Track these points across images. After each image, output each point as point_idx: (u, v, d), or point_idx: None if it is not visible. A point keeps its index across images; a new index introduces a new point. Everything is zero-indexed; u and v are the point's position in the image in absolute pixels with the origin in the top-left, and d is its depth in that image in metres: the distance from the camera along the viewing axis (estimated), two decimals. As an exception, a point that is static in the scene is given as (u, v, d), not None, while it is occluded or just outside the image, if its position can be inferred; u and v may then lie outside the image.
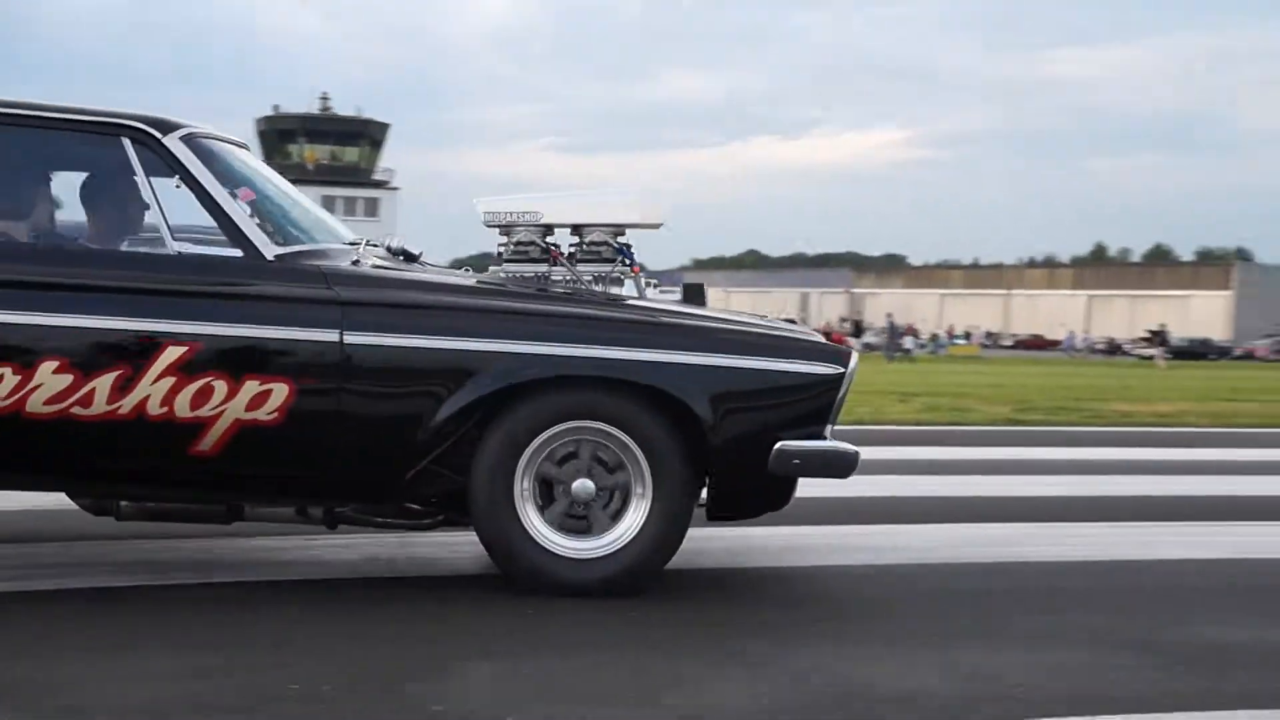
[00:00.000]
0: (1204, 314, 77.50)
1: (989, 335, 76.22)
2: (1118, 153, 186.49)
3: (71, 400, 3.98)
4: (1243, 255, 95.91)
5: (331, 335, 4.06)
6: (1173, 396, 17.35)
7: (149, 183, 4.18)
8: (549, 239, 4.66)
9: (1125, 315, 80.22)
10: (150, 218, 4.28)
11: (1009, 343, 73.05)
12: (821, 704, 3.12)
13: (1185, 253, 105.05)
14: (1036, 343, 71.39)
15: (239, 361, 4.03)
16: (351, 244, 4.53)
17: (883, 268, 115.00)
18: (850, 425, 9.30)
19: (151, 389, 3.99)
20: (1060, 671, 3.46)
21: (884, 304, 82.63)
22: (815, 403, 4.25)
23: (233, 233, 4.16)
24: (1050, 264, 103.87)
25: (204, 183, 4.18)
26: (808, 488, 4.56)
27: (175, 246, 4.14)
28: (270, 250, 4.16)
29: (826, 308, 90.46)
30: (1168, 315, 70.08)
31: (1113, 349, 64.56)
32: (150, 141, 4.21)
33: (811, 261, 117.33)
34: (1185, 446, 10.49)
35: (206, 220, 4.24)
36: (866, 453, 4.49)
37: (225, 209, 4.18)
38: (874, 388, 16.02)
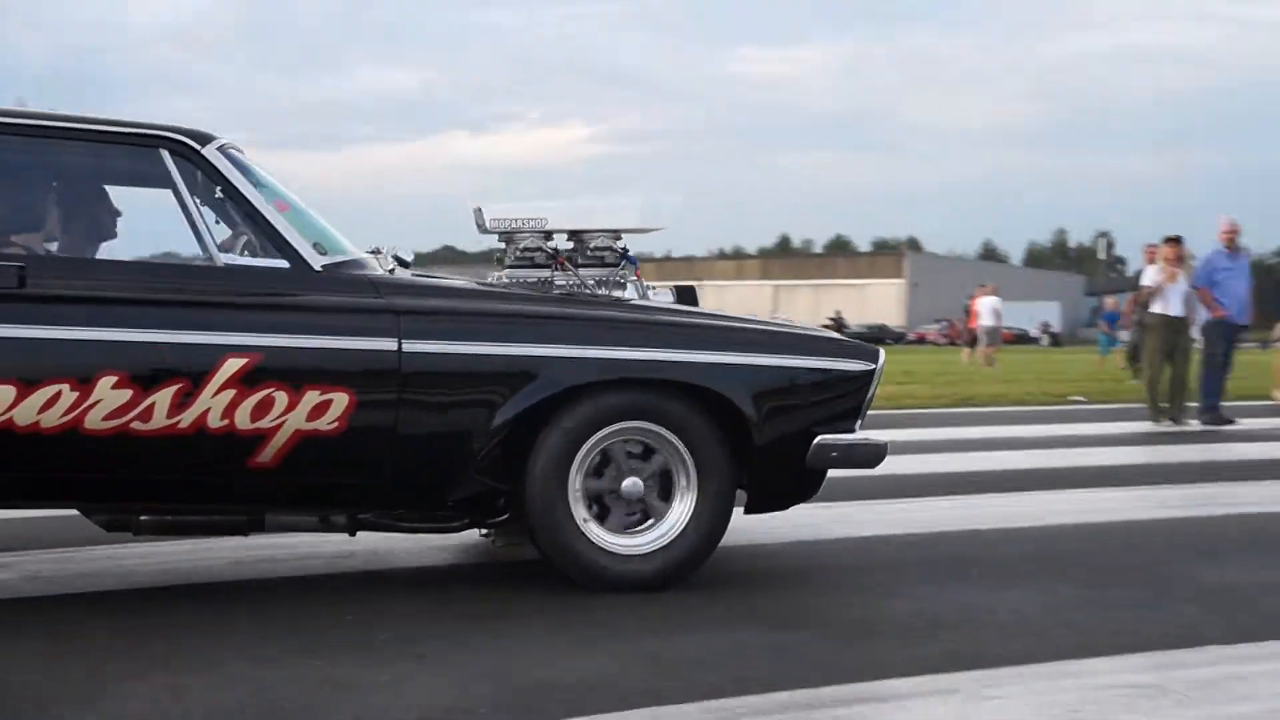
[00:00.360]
0: (880, 301, 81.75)
1: (682, 325, 77.99)
2: (797, 149, 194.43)
3: (131, 416, 3.87)
4: (914, 245, 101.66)
5: (389, 344, 4.07)
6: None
7: (190, 195, 4.14)
8: (549, 244, 4.69)
9: (810, 303, 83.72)
10: (191, 230, 4.15)
11: (701, 332, 74.82)
12: (492, 700, 3.10)
13: (863, 243, 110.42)
14: (727, 332, 73.37)
15: (299, 372, 3.98)
16: (371, 252, 4.47)
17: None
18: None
19: (212, 402, 3.92)
20: (737, 653, 3.56)
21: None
22: (850, 399, 4.48)
23: (279, 243, 4.14)
24: (739, 255, 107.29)
25: (246, 194, 4.16)
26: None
27: (223, 259, 4.11)
28: (317, 261, 4.16)
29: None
30: (848, 302, 73.55)
31: (798, 336, 67.20)
32: (189, 153, 4.16)
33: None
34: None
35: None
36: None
37: (270, 220, 4.16)
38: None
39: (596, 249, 4.71)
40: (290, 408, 3.96)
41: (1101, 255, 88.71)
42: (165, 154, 4.13)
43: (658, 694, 3.13)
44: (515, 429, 4.14)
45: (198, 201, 4.15)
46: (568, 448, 4.18)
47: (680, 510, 4.29)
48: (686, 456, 4.27)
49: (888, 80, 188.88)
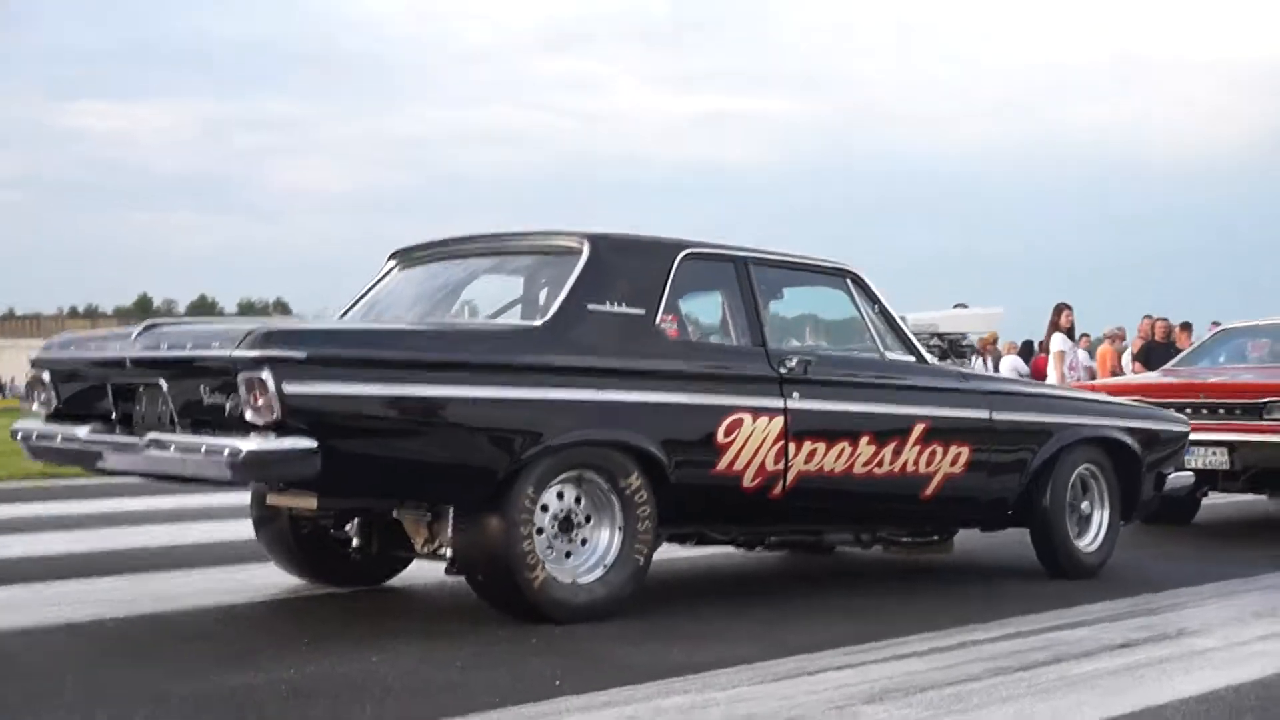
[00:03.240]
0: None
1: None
2: (152, 209, 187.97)
3: (873, 464, 5.50)
4: (282, 307, 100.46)
5: (985, 413, 5.96)
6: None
7: (865, 310, 5.82)
8: (935, 341, 7.25)
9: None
10: (865, 336, 5.84)
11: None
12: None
13: (229, 304, 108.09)
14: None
15: (946, 433, 5.76)
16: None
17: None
18: None
19: (909, 453, 5.62)
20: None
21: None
22: (1180, 450, 6.94)
23: (908, 344, 5.89)
24: (92, 314, 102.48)
25: (890, 310, 5.90)
26: None
27: (890, 356, 5.80)
28: (928, 357, 5.99)
29: None
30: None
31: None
32: (860, 281, 5.84)
33: None
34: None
35: None
36: None
37: (903, 328, 5.93)
38: None
39: (962, 345, 7.53)
40: (943, 457, 5.73)
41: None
42: (849, 281, 5.83)
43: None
44: (1038, 472, 6.13)
45: (866, 313, 5.81)
46: (1065, 483, 6.23)
47: (1099, 520, 6.48)
48: (1104, 486, 6.47)
49: (245, 144, 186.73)
